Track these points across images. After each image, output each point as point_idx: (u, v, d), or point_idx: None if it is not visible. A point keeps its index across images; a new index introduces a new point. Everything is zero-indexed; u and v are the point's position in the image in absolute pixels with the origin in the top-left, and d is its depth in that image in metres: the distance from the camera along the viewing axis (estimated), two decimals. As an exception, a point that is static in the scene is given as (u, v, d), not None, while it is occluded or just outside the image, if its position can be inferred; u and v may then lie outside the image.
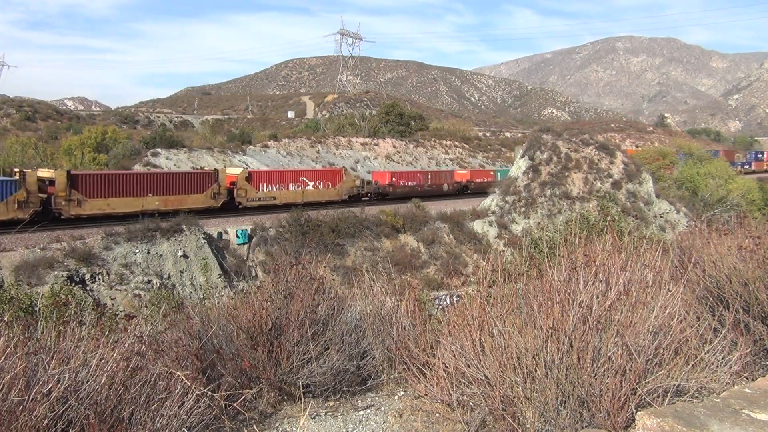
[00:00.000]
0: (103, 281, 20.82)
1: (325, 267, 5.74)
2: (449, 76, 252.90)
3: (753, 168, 74.94)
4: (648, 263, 4.31)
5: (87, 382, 3.46)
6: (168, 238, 23.56)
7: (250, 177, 33.15)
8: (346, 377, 5.02)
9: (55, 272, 19.65)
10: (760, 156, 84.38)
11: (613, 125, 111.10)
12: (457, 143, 68.21)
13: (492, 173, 51.09)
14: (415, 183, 43.39)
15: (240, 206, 32.07)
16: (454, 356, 4.04)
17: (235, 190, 32.10)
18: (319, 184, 36.35)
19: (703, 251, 5.38)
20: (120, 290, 20.70)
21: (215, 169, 33.50)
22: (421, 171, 48.60)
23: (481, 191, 44.93)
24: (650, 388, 3.37)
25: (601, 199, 32.25)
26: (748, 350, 4.02)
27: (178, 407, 3.67)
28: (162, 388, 3.75)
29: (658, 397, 3.37)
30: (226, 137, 63.28)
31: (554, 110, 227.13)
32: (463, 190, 47.41)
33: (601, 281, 3.85)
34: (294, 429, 4.42)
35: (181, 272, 23.14)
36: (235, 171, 33.66)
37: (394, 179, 41.82)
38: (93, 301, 14.71)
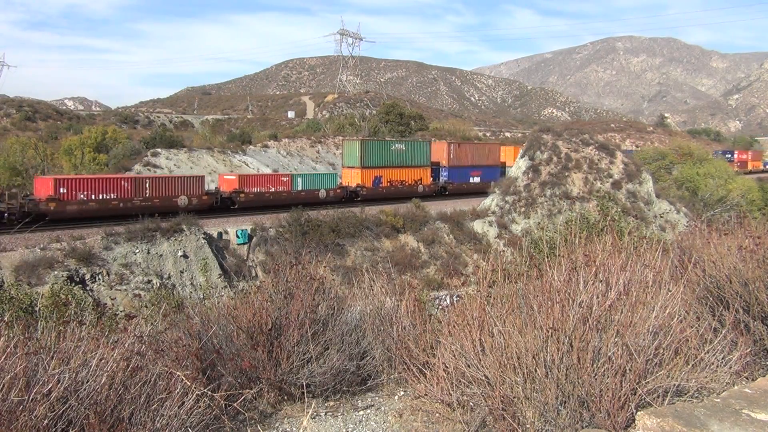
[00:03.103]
0: (103, 281, 20.82)
1: (325, 267, 5.74)
2: (449, 76, 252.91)
3: None
4: (648, 263, 4.31)
5: (87, 382, 3.46)
6: (168, 238, 23.56)
7: None
8: (346, 377, 5.02)
9: (55, 272, 19.66)
10: (729, 156, 76.20)
11: (613, 125, 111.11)
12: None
13: (286, 180, 35.34)
14: (115, 196, 28.03)
15: None
16: (454, 356, 4.04)
17: None
18: None
19: (703, 251, 5.38)
20: (120, 290, 20.70)
21: None
22: (130, 176, 31.63)
23: (266, 206, 32.25)
24: (650, 388, 3.37)
25: (601, 199, 32.19)
26: (748, 350, 4.02)
27: (178, 407, 3.67)
28: (162, 388, 3.75)
29: (658, 397, 3.37)
30: (226, 137, 63.35)
31: (554, 110, 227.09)
32: (225, 205, 32.38)
33: (601, 281, 3.86)
34: (294, 429, 4.42)
35: (181, 272, 23.15)
36: None
37: (62, 191, 26.58)
38: (93, 301, 14.68)
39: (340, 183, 39.14)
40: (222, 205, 32.29)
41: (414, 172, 42.27)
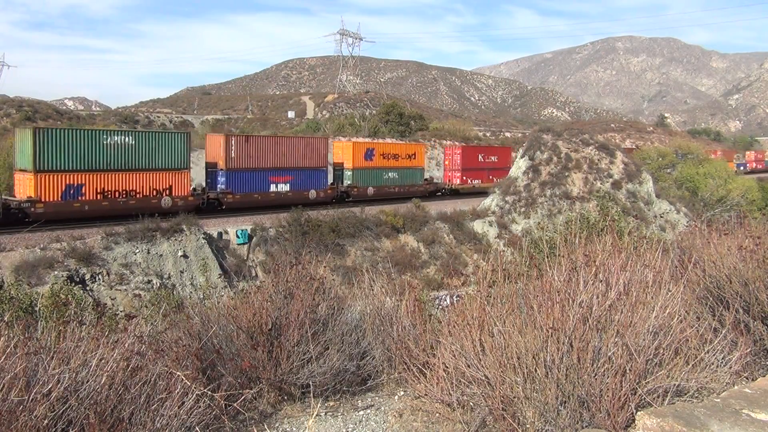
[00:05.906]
0: (103, 281, 20.82)
1: (325, 267, 5.74)
2: (449, 76, 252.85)
3: None
4: (648, 263, 4.31)
5: (87, 382, 3.46)
6: (168, 238, 23.56)
7: None
8: (346, 377, 5.02)
9: (55, 272, 19.65)
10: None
11: (613, 125, 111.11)
12: (457, 143, 68.25)
13: None
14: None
15: None
16: (454, 356, 4.04)
17: None
18: None
19: (703, 251, 5.38)
20: (120, 290, 20.71)
21: None
22: None
23: None
24: (650, 388, 3.37)
25: (601, 199, 32.22)
26: (748, 350, 4.02)
27: (178, 407, 3.67)
28: (162, 388, 3.75)
29: (658, 397, 3.37)
30: (226, 137, 63.15)
31: (554, 110, 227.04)
32: None
33: (601, 281, 3.86)
34: (294, 429, 4.42)
35: (181, 272, 23.15)
36: None
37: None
38: (93, 301, 14.68)
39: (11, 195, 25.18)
40: None
41: (156, 178, 27.75)
